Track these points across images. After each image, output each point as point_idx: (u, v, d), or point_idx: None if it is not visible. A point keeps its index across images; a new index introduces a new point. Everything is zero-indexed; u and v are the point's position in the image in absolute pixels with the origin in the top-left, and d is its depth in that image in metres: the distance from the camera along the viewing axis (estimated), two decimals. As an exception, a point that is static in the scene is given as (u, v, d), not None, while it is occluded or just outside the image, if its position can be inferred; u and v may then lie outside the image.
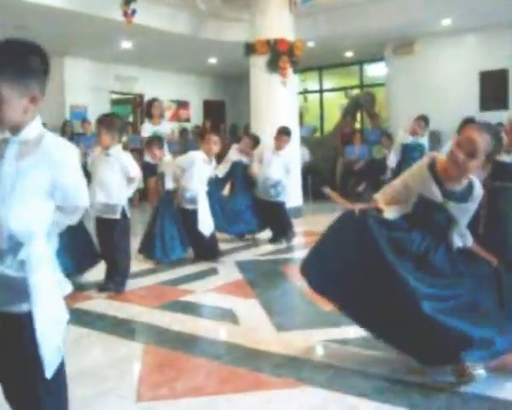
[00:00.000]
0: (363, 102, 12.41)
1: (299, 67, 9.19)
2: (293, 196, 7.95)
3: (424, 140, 7.41)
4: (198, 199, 5.40)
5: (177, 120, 13.59)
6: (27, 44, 1.73)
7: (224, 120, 14.94)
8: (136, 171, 4.56)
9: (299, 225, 7.23)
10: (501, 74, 10.34)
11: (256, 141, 6.98)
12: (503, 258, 2.79)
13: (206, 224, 5.37)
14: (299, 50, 8.69)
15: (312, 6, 9.03)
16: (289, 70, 8.58)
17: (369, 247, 2.63)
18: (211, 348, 3.27)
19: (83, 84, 11.39)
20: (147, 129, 7.46)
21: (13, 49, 1.70)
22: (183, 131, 12.47)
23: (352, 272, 2.70)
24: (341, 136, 12.17)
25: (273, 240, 6.58)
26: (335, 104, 13.79)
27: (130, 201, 4.86)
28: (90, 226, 4.63)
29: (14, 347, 1.74)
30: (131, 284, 4.59)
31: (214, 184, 5.97)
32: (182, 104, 14.07)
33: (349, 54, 12.41)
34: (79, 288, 4.49)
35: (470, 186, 2.64)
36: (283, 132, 6.59)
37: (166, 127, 7.97)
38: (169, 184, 5.61)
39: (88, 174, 4.48)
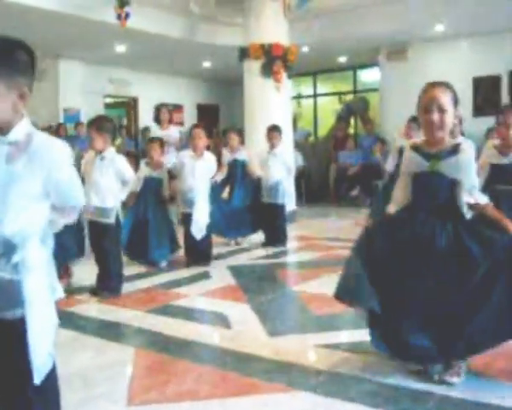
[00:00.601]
0: (356, 108, 12.45)
1: (293, 71, 9.22)
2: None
3: None
4: (196, 200, 5.39)
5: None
6: (13, 41, 1.70)
7: (217, 123, 14.95)
8: (130, 174, 4.55)
9: (292, 230, 7.24)
10: (494, 80, 10.40)
11: (240, 134, 7.06)
12: None
13: (198, 227, 5.37)
14: (293, 55, 8.71)
15: (307, 11, 9.05)
16: (283, 75, 8.60)
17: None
18: (202, 352, 3.26)
19: (76, 87, 11.34)
20: (155, 134, 7.46)
21: None
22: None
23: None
24: (334, 141, 12.22)
25: (266, 244, 6.58)
26: (329, 109, 13.82)
27: (123, 205, 4.84)
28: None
29: (5, 352, 1.72)
30: (123, 288, 4.57)
31: (214, 190, 5.96)
32: (175, 108, 14.06)
33: (343, 59, 12.45)
34: (71, 291, 4.49)
35: (457, 144, 2.64)
36: (273, 129, 6.64)
37: (174, 132, 8.00)
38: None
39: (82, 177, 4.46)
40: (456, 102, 2.64)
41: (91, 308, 4.16)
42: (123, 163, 4.50)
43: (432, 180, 2.62)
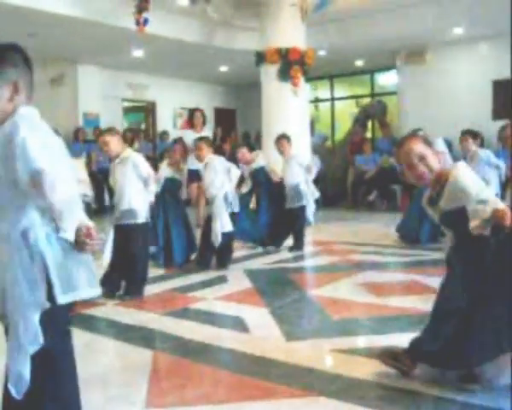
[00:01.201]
0: (374, 111, 12.39)
1: (311, 75, 9.21)
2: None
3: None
4: (214, 205, 5.41)
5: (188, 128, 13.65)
6: (4, 44, 1.85)
7: (235, 127, 14.98)
8: (147, 170, 4.52)
9: (309, 234, 7.21)
10: (514, 83, 10.27)
11: (247, 144, 7.19)
12: None
13: (214, 234, 5.37)
14: (310, 59, 8.71)
15: (324, 15, 9.05)
16: (301, 79, 8.60)
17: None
18: (220, 355, 3.26)
19: (95, 92, 11.48)
20: (190, 137, 7.49)
21: None
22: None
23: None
24: (351, 145, 12.16)
25: (292, 248, 6.53)
26: (346, 113, 13.78)
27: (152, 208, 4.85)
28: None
29: None
30: (141, 291, 4.60)
31: (241, 200, 6.00)
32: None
33: (360, 63, 12.42)
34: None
35: (443, 175, 2.63)
36: (281, 138, 6.64)
37: (208, 135, 8.06)
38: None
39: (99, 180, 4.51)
40: (427, 142, 2.74)
41: (109, 311, 4.17)
42: (139, 159, 4.52)
43: (449, 218, 2.62)
